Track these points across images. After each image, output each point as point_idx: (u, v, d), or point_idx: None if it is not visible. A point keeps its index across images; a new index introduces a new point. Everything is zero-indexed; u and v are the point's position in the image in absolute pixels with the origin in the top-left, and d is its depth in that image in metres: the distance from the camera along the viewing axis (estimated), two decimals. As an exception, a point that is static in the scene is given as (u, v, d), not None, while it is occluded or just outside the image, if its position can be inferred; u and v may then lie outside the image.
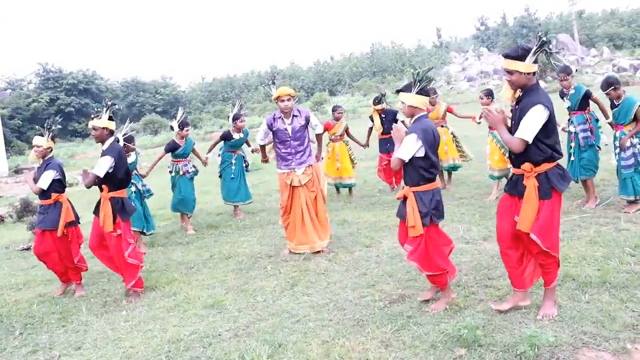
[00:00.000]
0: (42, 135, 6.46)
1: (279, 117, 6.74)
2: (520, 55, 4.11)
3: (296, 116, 6.78)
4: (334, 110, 10.18)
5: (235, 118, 9.10)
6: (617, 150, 7.06)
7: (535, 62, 4.15)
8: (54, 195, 6.34)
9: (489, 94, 8.70)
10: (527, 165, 4.14)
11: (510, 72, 4.15)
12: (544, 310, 4.28)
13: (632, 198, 6.94)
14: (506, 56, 4.18)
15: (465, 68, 53.21)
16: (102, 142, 6.04)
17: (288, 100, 6.62)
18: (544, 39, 4.12)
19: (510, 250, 4.38)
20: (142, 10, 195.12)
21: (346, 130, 10.14)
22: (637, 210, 6.89)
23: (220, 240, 8.24)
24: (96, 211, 6.10)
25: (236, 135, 9.31)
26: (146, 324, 5.19)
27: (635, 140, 6.89)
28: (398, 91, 4.78)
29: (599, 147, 7.56)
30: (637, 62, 41.00)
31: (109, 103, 6.09)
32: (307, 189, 6.81)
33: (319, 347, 4.24)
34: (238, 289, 5.88)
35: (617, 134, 7.09)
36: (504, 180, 8.92)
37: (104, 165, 5.84)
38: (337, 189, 10.41)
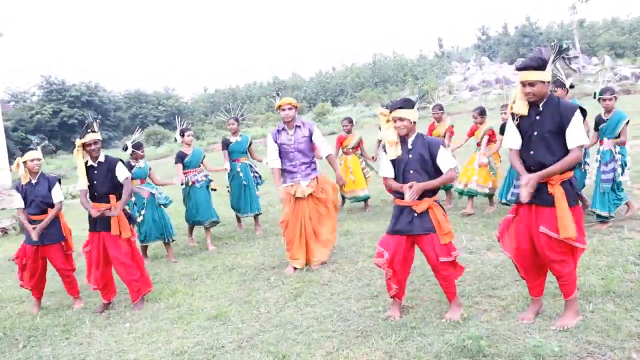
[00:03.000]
0: (35, 149, 6.44)
1: (282, 129, 6.75)
2: (541, 65, 4.05)
3: (299, 127, 6.79)
4: (342, 122, 10.15)
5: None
6: (598, 165, 7.02)
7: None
8: (50, 210, 6.36)
9: (482, 112, 8.69)
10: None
11: (531, 84, 4.07)
12: (562, 321, 4.24)
13: (605, 214, 6.85)
14: (525, 68, 4.08)
15: (467, 78, 53.18)
16: (98, 156, 6.05)
17: (289, 109, 6.65)
18: (564, 45, 4.13)
19: (529, 261, 4.35)
20: (144, 22, 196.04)
21: (359, 144, 10.09)
22: (609, 226, 6.85)
23: (223, 251, 8.24)
24: (99, 226, 6.03)
25: (232, 139, 9.26)
26: (150, 335, 5.19)
27: (618, 156, 6.86)
28: (395, 108, 4.65)
29: (586, 162, 7.48)
30: (639, 70, 40.99)
31: (94, 117, 6.16)
32: (312, 202, 6.78)
33: (323, 358, 4.23)
34: (241, 300, 5.88)
35: (601, 148, 7.04)
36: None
37: (125, 170, 6.11)
38: (343, 200, 10.32)
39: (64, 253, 6.47)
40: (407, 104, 4.63)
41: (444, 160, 4.60)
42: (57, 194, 6.37)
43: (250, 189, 9.25)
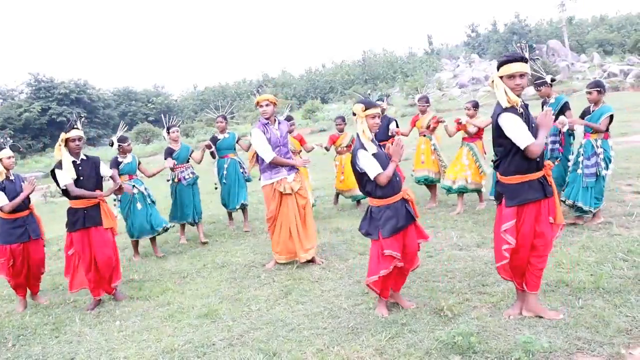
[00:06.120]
0: (3, 148, 6.45)
1: (266, 124, 6.73)
2: (525, 59, 4.14)
3: (280, 122, 6.85)
4: (336, 121, 10.10)
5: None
6: (581, 159, 7.01)
7: None
8: (31, 206, 6.51)
9: (475, 105, 8.67)
10: (549, 162, 4.25)
11: (523, 76, 4.13)
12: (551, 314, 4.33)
13: (586, 207, 6.86)
14: (522, 59, 4.14)
15: (457, 75, 53.40)
16: (80, 152, 6.10)
17: (267, 105, 6.66)
18: (533, 44, 4.18)
19: (526, 259, 4.37)
20: (133, 20, 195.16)
21: (352, 142, 10.00)
22: (585, 223, 6.91)
23: (214, 249, 8.22)
24: (92, 221, 6.05)
25: (220, 136, 9.26)
26: (140, 334, 5.17)
27: (600, 150, 6.86)
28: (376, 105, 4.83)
29: (568, 159, 7.44)
30: (627, 67, 41.27)
31: (78, 115, 6.20)
32: (299, 197, 6.74)
33: (314, 355, 4.23)
34: (232, 298, 5.87)
35: (584, 142, 7.02)
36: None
37: (108, 169, 6.28)
38: (337, 197, 10.30)
39: (42, 248, 6.62)
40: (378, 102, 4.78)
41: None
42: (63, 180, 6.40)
43: (238, 181, 9.27)
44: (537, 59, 4.38)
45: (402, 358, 4.00)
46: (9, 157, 6.36)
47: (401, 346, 4.18)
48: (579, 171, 6.97)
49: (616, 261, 5.38)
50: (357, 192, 9.84)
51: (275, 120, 6.80)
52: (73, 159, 6.00)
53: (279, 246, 6.82)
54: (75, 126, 5.98)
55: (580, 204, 6.88)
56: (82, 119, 6.20)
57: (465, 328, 4.08)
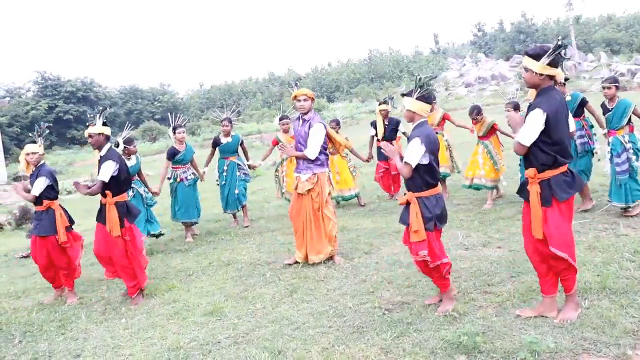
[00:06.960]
0: (35, 142, 6.49)
1: (298, 119, 6.73)
2: (537, 55, 4.10)
3: (308, 120, 6.59)
4: (330, 124, 10.07)
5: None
6: (609, 157, 7.05)
7: (550, 65, 4.08)
8: (45, 202, 6.37)
9: (479, 112, 8.69)
10: (531, 171, 4.14)
11: (526, 70, 4.16)
12: (563, 315, 4.25)
13: (622, 205, 6.93)
14: (526, 53, 4.17)
15: (463, 74, 53.22)
16: (100, 148, 6.05)
17: (304, 100, 6.53)
18: (559, 42, 4.11)
19: (535, 255, 4.35)
20: (140, 18, 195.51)
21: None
22: (637, 215, 6.89)
23: (219, 247, 8.23)
24: (100, 218, 6.08)
25: (223, 140, 9.27)
26: (145, 331, 5.18)
27: (629, 145, 6.87)
28: (403, 95, 4.88)
29: (594, 152, 7.58)
30: (635, 67, 41.06)
31: (101, 109, 6.14)
32: (311, 199, 6.62)
33: (319, 354, 4.23)
34: (237, 296, 5.87)
35: (611, 140, 7.07)
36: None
37: (108, 170, 5.87)
38: (337, 202, 10.17)
39: (58, 246, 6.43)
40: (407, 94, 4.85)
41: (407, 152, 4.60)
42: (36, 187, 6.30)
43: (230, 187, 9.28)
44: (565, 58, 4.29)
45: (407, 357, 4.00)
46: (28, 154, 6.39)
47: (406, 345, 4.17)
48: (607, 169, 7.08)
49: (623, 261, 5.35)
50: (346, 192, 9.91)
51: (307, 117, 6.60)
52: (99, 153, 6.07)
53: (297, 243, 6.85)
54: (91, 123, 6.02)
55: (615, 203, 6.93)
56: (95, 115, 6.11)
57: (470, 328, 4.08)
